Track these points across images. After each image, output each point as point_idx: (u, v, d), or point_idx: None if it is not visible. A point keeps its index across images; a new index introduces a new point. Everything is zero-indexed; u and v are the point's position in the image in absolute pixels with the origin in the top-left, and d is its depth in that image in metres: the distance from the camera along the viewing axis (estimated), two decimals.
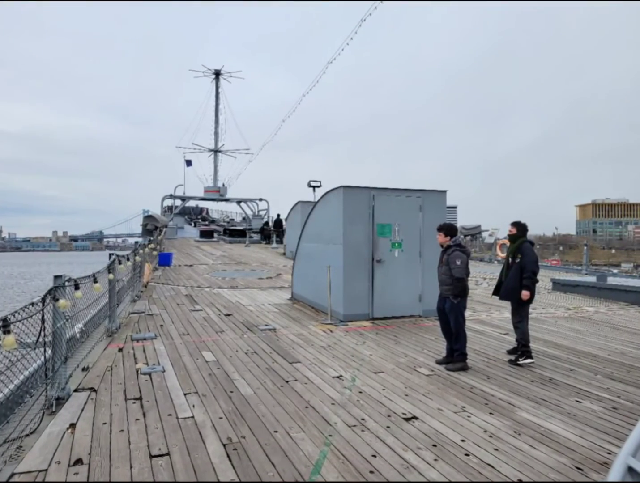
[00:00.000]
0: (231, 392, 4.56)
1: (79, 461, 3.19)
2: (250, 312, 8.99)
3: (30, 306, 3.70)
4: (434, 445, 3.46)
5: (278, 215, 29.34)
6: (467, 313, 6.32)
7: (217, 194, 43.35)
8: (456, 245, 5.55)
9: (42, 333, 3.88)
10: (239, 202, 44.06)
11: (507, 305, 6.88)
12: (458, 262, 5.36)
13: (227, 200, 43.83)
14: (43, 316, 3.88)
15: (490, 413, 4.10)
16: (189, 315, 8.59)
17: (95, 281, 5.75)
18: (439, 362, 5.59)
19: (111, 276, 7.02)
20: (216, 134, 47.41)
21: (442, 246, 5.70)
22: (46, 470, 3.08)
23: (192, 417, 3.95)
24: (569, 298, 11.30)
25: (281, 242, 26.41)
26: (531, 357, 5.63)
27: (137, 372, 5.17)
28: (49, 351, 4.11)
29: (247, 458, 3.23)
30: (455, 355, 5.45)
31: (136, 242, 13.12)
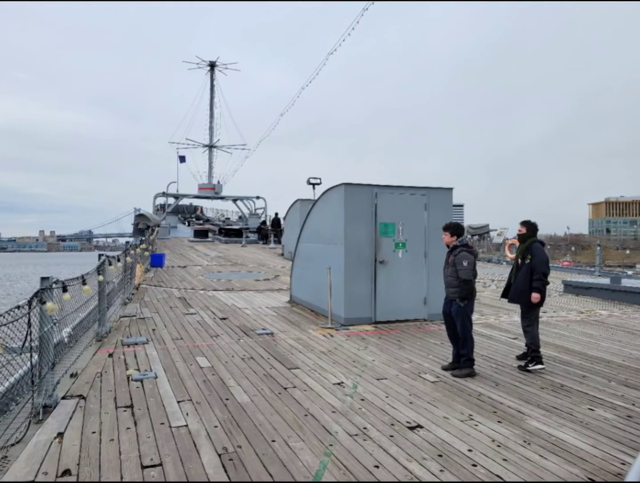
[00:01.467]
0: (227, 399, 4.56)
1: (67, 472, 3.20)
2: (247, 315, 8.99)
3: (16, 309, 3.70)
4: (440, 455, 3.46)
5: (276, 214, 29.35)
6: (475, 316, 6.32)
7: (212, 191, 43.40)
8: (463, 245, 5.55)
9: (29, 337, 3.88)
10: (235, 200, 44.11)
11: (516, 308, 6.89)
12: (465, 263, 5.36)
13: (222, 198, 43.89)
14: (29, 320, 3.88)
15: (499, 421, 4.10)
16: (183, 318, 8.60)
17: (84, 283, 5.75)
18: (445, 368, 5.59)
19: (101, 278, 7.02)
20: (211, 128, 47.53)
21: (448, 246, 5.71)
22: (33, 481, 3.08)
23: (186, 425, 3.95)
24: (581, 301, 11.30)
25: (279, 242, 26.42)
26: (541, 363, 5.63)
27: (128, 378, 5.17)
28: (35, 356, 4.12)
29: (243, 469, 3.23)
30: (462, 361, 5.46)
31: (127, 242, 13.12)
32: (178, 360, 5.91)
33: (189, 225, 40.24)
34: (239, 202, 44.20)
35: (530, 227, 5.89)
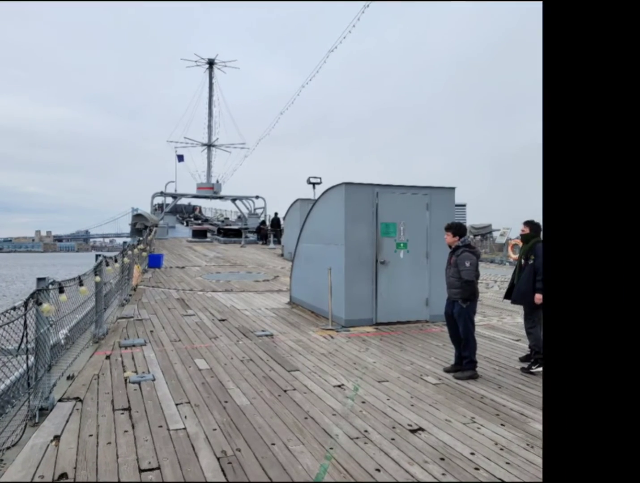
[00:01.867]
0: (226, 402, 4.56)
1: (63, 475, 3.20)
2: (246, 316, 8.99)
3: (12, 311, 3.70)
4: (442, 459, 3.46)
5: (276, 214, 29.36)
6: (477, 318, 6.32)
7: (211, 191, 43.38)
8: (465, 245, 5.55)
9: (25, 339, 3.89)
10: (234, 199, 44.08)
11: (519, 309, 6.88)
12: (467, 264, 5.36)
13: (221, 197, 43.88)
14: (25, 321, 3.88)
15: (502, 424, 4.10)
16: (181, 320, 8.60)
17: (81, 284, 5.75)
18: (447, 370, 5.59)
19: (98, 279, 7.03)
20: (210, 127, 47.50)
21: (450, 247, 5.71)
22: None
23: (184, 428, 3.95)
24: None
25: (279, 242, 26.44)
26: None
27: (125, 380, 5.18)
28: (31, 358, 4.11)
29: (242, 473, 3.23)
30: (464, 363, 5.46)
31: (124, 243, 13.13)
32: (176, 362, 5.92)
33: (187, 225, 40.26)
34: (238, 202, 44.18)
35: (533, 227, 5.89)
